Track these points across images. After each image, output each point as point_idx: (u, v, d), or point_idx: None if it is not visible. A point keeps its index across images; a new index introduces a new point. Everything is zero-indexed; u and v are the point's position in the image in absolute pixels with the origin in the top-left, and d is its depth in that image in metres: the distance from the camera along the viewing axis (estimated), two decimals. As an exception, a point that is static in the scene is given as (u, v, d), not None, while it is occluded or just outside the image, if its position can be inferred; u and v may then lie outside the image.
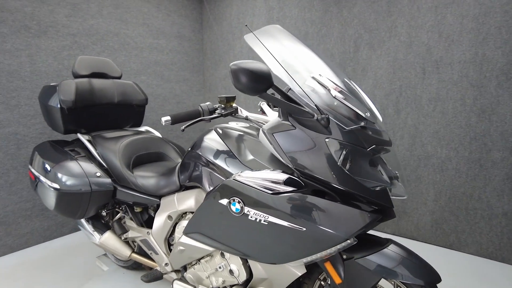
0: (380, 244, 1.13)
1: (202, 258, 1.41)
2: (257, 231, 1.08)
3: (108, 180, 1.70)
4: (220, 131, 1.36)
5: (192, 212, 1.48)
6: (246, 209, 1.08)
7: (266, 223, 1.05)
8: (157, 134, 2.11)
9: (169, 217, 1.53)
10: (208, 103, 1.32)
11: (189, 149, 1.44)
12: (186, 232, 1.29)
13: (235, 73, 0.93)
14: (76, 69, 1.91)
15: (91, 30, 2.63)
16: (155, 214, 1.74)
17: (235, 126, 1.45)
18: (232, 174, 1.19)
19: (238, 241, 1.14)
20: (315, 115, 0.99)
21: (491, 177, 2.14)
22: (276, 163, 1.14)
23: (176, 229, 1.51)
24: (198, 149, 1.35)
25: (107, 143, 1.79)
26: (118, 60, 2.84)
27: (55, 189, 1.63)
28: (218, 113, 1.29)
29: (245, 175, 1.10)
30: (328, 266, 1.14)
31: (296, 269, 1.18)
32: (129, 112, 2.14)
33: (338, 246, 1.02)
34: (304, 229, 1.01)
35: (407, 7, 2.31)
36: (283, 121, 1.06)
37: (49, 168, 1.68)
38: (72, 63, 2.54)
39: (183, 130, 1.24)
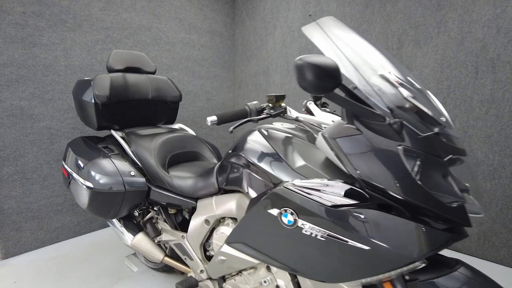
0: (447, 265, 1.00)
1: (244, 270, 1.32)
2: (312, 246, 0.97)
3: (143, 179, 1.65)
4: (265, 132, 1.26)
5: (231, 218, 1.40)
6: (300, 221, 0.97)
7: (324, 239, 0.94)
8: (191, 132, 2.04)
9: (206, 221, 1.45)
10: (255, 102, 1.22)
11: (230, 150, 1.35)
12: (229, 242, 1.20)
13: (300, 69, 0.82)
14: (111, 64, 1.86)
15: (124, 24, 2.59)
16: (190, 217, 1.67)
17: (280, 127, 1.34)
18: (279, 180, 1.09)
19: (288, 255, 1.04)
20: (387, 118, 0.87)
21: (552, 188, 1.94)
22: (333, 171, 1.03)
23: (214, 235, 1.43)
24: (240, 151, 1.25)
25: (141, 141, 1.73)
26: (150, 55, 2.79)
27: (88, 187, 1.59)
28: (267, 113, 1.19)
29: (300, 184, 0.98)
30: (388, 286, 1.02)
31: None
32: (163, 109, 2.08)
33: (405, 268, 0.89)
34: (368, 248, 0.89)
35: (461, 0, 2.12)
36: (348, 125, 0.94)
37: (82, 166, 1.64)
38: (106, 57, 2.51)
39: (231, 131, 1.14)
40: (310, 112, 1.50)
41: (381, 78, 0.92)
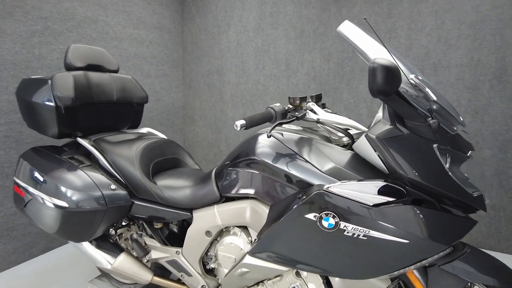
0: (457, 248, 1.12)
1: (267, 279, 1.27)
2: (353, 246, 0.99)
3: (125, 193, 1.46)
4: (280, 135, 1.23)
5: (239, 227, 1.33)
6: (342, 224, 0.97)
7: (366, 238, 0.96)
8: (163, 136, 1.88)
9: (208, 233, 1.36)
10: (278, 104, 1.18)
11: (236, 155, 1.28)
12: (255, 252, 1.14)
13: (376, 72, 0.82)
14: (70, 60, 1.61)
15: (66, 14, 2.25)
16: (180, 229, 1.54)
17: (289, 128, 1.33)
18: (307, 184, 1.08)
19: (325, 258, 1.03)
20: (428, 119, 0.93)
21: (484, 173, 2.32)
22: (363, 171, 1.06)
23: (219, 247, 1.35)
24: (255, 155, 1.20)
25: (118, 149, 1.53)
26: (96, 50, 2.48)
27: (59, 207, 1.35)
28: (292, 116, 1.16)
29: (340, 186, 0.99)
30: (411, 275, 1.09)
31: (381, 282, 1.11)
32: (128, 112, 1.87)
33: (436, 256, 0.98)
34: (407, 241, 0.95)
35: (408, 10, 2.38)
36: (392, 126, 0.98)
37: (47, 181, 1.38)
38: (45, 52, 2.15)
39: (270, 136, 1.08)
40: (313, 113, 1.51)
41: (414, 81, 0.99)
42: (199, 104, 3.33)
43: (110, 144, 1.57)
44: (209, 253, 1.41)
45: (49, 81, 1.50)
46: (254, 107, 3.03)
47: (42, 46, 2.14)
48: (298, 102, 1.17)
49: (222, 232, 1.38)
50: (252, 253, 1.15)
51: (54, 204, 1.35)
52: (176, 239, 1.57)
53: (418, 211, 0.95)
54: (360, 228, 0.96)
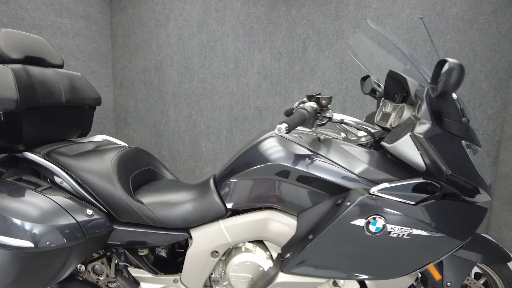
0: None
1: None
2: (397, 247, 0.98)
3: (104, 218, 1.17)
4: (299, 137, 1.15)
5: (254, 242, 1.19)
6: (389, 226, 0.95)
7: (409, 237, 0.97)
8: (122, 143, 1.59)
9: (214, 253, 1.18)
10: (308, 104, 1.07)
11: (245, 163, 1.14)
12: (291, 269, 1.03)
13: (452, 72, 0.82)
14: (3, 49, 1.22)
15: (-34, -11, 1.73)
16: (169, 253, 1.32)
17: (301, 129, 1.25)
18: (340, 188, 1.05)
19: (368, 262, 1.00)
20: (462, 117, 0.97)
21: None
22: (393, 170, 1.05)
23: (229, 267, 1.18)
24: (274, 161, 1.09)
25: (85, 163, 1.22)
26: (8, 38, 1.98)
27: (18, 249, 1.00)
28: (324, 116, 1.08)
29: (385, 189, 0.97)
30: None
31: (409, 277, 1.11)
32: (78, 116, 1.53)
33: (460, 245, 1.03)
34: (443, 234, 0.98)
35: (353, 13, 2.52)
36: (433, 125, 0.98)
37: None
38: None
39: (322, 139, 0.98)
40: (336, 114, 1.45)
41: None
42: (133, 105, 2.96)
43: (71, 157, 1.24)
44: (213, 276, 1.23)
45: None
46: (201, 107, 2.84)
47: None
48: (326, 102, 1.09)
49: (230, 250, 1.22)
50: (288, 270, 1.03)
51: (9, 246, 0.99)
52: (166, 265, 1.33)
53: (451, 205, 0.99)
54: (404, 228, 0.96)
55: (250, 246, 1.20)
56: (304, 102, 1.44)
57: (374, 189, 0.97)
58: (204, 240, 1.19)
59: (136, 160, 1.39)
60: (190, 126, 2.89)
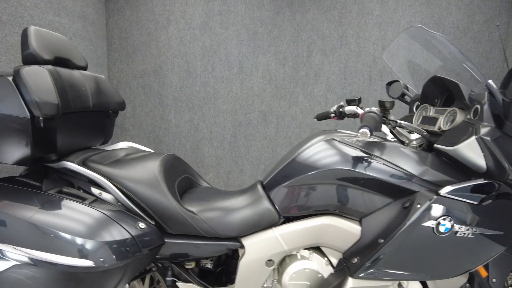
0: None
1: None
2: (462, 246, 1.02)
3: (156, 230, 1.11)
4: (354, 140, 1.15)
5: (310, 248, 1.18)
6: (456, 226, 0.99)
7: (473, 236, 1.01)
8: (149, 150, 1.52)
9: (269, 262, 1.16)
10: (373, 108, 1.09)
11: (299, 169, 1.14)
12: (362, 274, 1.03)
13: None
14: (36, 48, 1.12)
15: (-34, -16, 1.58)
16: (215, 264, 1.27)
17: (348, 132, 1.26)
18: (405, 191, 1.07)
19: (434, 263, 1.03)
20: None
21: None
22: (450, 171, 1.09)
23: (285, 275, 1.16)
24: (333, 165, 1.09)
25: (130, 172, 1.15)
26: (9, 40, 1.82)
27: (76, 267, 0.91)
28: (391, 120, 1.10)
29: (453, 190, 1.00)
30: None
31: (464, 276, 1.15)
32: (103, 122, 1.44)
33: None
34: (501, 232, 1.03)
35: (356, 20, 2.58)
36: (495, 127, 1.02)
37: (51, 234, 0.92)
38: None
39: (417, 146, 0.99)
40: (340, 116, 1.46)
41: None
42: (131, 110, 2.84)
43: (110, 166, 1.16)
44: (265, 285, 1.20)
45: (11, 80, 1.00)
46: (204, 112, 2.77)
47: None
48: (390, 105, 1.11)
49: (283, 258, 1.20)
50: (359, 275, 1.03)
51: (62, 265, 0.90)
52: (213, 277, 1.28)
53: (509, 204, 1.04)
54: (470, 227, 1.00)
55: (306, 253, 1.19)
56: (342, 106, 1.46)
57: (443, 191, 1.00)
58: (258, 248, 1.16)
59: (177, 167, 1.33)
60: (192, 132, 2.81)
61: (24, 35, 1.13)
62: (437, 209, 0.98)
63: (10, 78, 1.01)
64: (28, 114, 0.99)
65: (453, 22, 2.52)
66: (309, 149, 1.18)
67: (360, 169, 1.08)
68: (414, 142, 1.22)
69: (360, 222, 1.12)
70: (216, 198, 1.25)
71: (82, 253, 0.92)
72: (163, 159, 1.26)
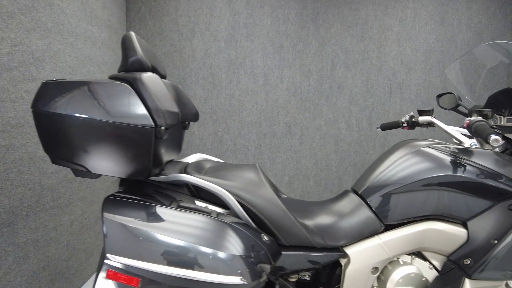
0: None
1: None
2: None
3: (274, 242, 1.08)
4: (448, 148, 1.23)
5: (411, 254, 1.21)
6: None
7: None
8: (221, 161, 1.48)
9: (374, 269, 1.17)
10: (476, 117, 1.14)
11: (403, 177, 1.18)
12: (479, 275, 1.07)
13: None
14: (143, 55, 1.07)
15: (18, -12, 1.47)
16: (313, 275, 1.26)
17: (436, 141, 1.32)
18: (503, 191, 1.14)
19: None
20: None
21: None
22: None
23: (391, 282, 1.17)
24: (438, 172, 1.15)
25: (240, 183, 1.12)
26: (52, 48, 1.72)
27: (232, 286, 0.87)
28: (497, 128, 1.16)
29: None
30: None
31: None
32: (180, 134, 1.39)
33: None
34: None
35: (377, 35, 2.71)
36: None
37: (210, 254, 0.88)
38: None
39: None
40: (412, 126, 1.52)
41: None
42: (151, 123, 2.74)
43: (219, 178, 1.13)
44: None
45: (130, 87, 0.95)
46: (228, 124, 2.74)
47: (-13, 33, 1.32)
48: (490, 114, 1.18)
49: (387, 265, 1.21)
50: (476, 276, 1.07)
51: (218, 284, 0.85)
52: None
53: None
54: None
55: (407, 258, 1.21)
56: (413, 117, 1.52)
57: None
58: (363, 256, 1.17)
59: (267, 178, 1.31)
60: (216, 144, 2.77)
61: (129, 41, 1.07)
62: None
63: (129, 86, 0.95)
64: (152, 123, 0.94)
65: (464, 39, 2.72)
66: (407, 157, 1.22)
67: (461, 174, 1.14)
68: (497, 149, 1.30)
69: (464, 225, 1.17)
70: (313, 209, 1.24)
71: (232, 270, 0.88)
72: (260, 170, 1.24)
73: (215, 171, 1.20)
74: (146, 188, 1.15)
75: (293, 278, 1.21)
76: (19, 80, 1.48)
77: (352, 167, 2.83)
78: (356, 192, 1.29)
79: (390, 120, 2.79)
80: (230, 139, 2.77)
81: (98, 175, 1.01)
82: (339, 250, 1.17)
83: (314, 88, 2.75)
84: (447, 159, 1.18)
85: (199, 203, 1.11)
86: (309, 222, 1.15)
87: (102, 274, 0.83)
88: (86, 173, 0.99)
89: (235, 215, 1.08)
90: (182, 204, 1.02)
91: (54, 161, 0.98)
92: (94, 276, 2.16)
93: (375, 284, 1.23)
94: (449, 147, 1.25)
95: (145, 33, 2.67)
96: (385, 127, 1.65)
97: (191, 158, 1.45)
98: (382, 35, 2.71)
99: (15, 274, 1.47)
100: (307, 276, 1.25)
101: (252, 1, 2.66)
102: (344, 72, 2.74)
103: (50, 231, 1.71)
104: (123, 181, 1.13)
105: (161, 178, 1.08)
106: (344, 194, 1.32)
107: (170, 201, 1.02)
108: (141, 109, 0.93)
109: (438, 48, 2.73)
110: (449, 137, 1.50)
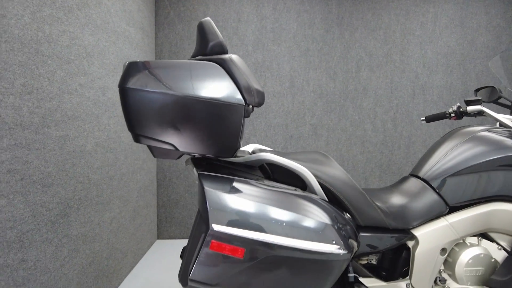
0: None
1: None
2: None
3: (353, 223, 1.08)
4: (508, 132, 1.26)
5: (476, 235, 1.22)
6: None
7: None
8: (271, 149, 1.50)
9: (443, 250, 1.17)
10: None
11: (466, 159, 1.20)
12: None
13: None
14: (222, 42, 1.10)
15: (77, -16, 1.51)
16: (379, 259, 1.26)
17: (489, 126, 1.36)
18: None
19: None
20: None
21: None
22: None
23: (461, 262, 1.17)
24: (505, 152, 1.18)
25: (318, 166, 1.13)
26: (99, 45, 1.74)
27: (331, 254, 0.88)
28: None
29: None
30: None
31: None
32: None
33: None
34: None
35: (399, 39, 2.79)
36: None
37: (308, 223, 0.89)
38: (55, 33, 1.37)
39: None
40: (460, 116, 1.55)
41: None
42: (178, 126, 2.75)
43: (300, 162, 1.14)
44: (438, 274, 1.20)
45: (220, 67, 0.97)
46: (255, 126, 2.76)
47: (53, 23, 1.34)
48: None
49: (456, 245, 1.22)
50: None
51: (321, 253, 0.86)
52: (380, 271, 1.26)
53: None
54: None
55: (474, 239, 1.22)
56: (460, 107, 1.56)
57: None
58: (432, 238, 1.17)
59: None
60: (242, 146, 2.77)
61: (208, 25, 1.09)
62: None
63: (220, 66, 0.97)
64: (243, 101, 0.95)
65: (483, 42, 2.81)
66: (467, 141, 1.24)
67: None
68: None
69: None
70: (380, 193, 1.26)
71: (327, 238, 0.88)
72: (328, 156, 1.25)
73: (284, 155, 1.21)
74: (221, 169, 1.16)
75: (363, 261, 1.20)
76: (74, 73, 1.50)
77: (378, 167, 2.85)
78: (417, 177, 1.31)
79: (413, 121, 2.84)
80: (257, 140, 2.78)
81: (180, 155, 1.02)
82: (408, 232, 1.18)
83: (339, 90, 2.79)
84: (509, 140, 1.21)
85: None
86: (381, 205, 1.16)
87: (205, 248, 0.83)
88: (171, 152, 1.00)
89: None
90: (266, 182, 1.03)
91: (137, 139, 0.98)
92: (125, 278, 2.12)
93: (442, 267, 1.23)
94: (509, 130, 1.28)
95: (173, 36, 2.71)
96: (430, 119, 1.68)
97: (248, 148, 1.46)
98: (404, 39, 2.79)
99: (68, 267, 1.44)
100: (373, 260, 1.25)
101: (278, 6, 2.73)
102: (369, 74, 2.80)
103: (95, 227, 1.69)
104: (196, 162, 1.14)
105: (245, 158, 1.09)
106: (405, 179, 1.34)
107: (255, 179, 1.03)
108: (232, 88, 0.95)
109: (458, 51, 2.81)
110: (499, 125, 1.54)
